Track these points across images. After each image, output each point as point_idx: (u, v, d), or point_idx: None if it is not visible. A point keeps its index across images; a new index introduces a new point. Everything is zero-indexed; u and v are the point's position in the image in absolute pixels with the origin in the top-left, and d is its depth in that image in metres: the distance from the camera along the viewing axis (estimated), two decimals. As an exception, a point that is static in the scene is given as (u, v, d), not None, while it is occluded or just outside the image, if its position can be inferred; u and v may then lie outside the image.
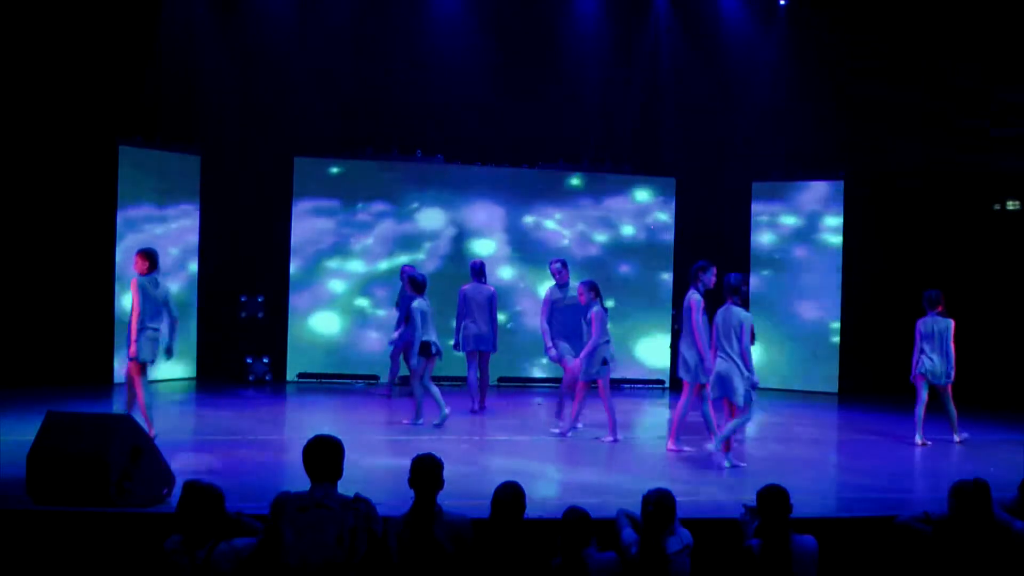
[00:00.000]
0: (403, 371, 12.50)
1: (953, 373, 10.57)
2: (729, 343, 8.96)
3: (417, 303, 10.78)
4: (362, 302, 14.55)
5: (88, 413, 7.69)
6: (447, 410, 10.74)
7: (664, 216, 15.17)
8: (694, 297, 9.53)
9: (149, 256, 9.56)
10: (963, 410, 12.55)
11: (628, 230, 15.12)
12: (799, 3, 15.10)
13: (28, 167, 12.94)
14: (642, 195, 15.18)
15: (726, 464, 8.96)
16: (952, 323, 10.60)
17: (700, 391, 9.61)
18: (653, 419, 12.57)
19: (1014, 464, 9.12)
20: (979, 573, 5.66)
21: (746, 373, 8.94)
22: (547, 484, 8.35)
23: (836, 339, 14.89)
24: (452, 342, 12.06)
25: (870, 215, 15.00)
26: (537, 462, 9.17)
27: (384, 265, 14.51)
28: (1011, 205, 14.80)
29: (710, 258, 15.25)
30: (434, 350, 10.79)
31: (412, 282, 10.98)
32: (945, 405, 10.66)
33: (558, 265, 11.16)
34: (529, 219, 14.90)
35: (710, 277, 9.62)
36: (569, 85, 15.06)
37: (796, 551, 5.52)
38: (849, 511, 7.63)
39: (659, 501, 5.46)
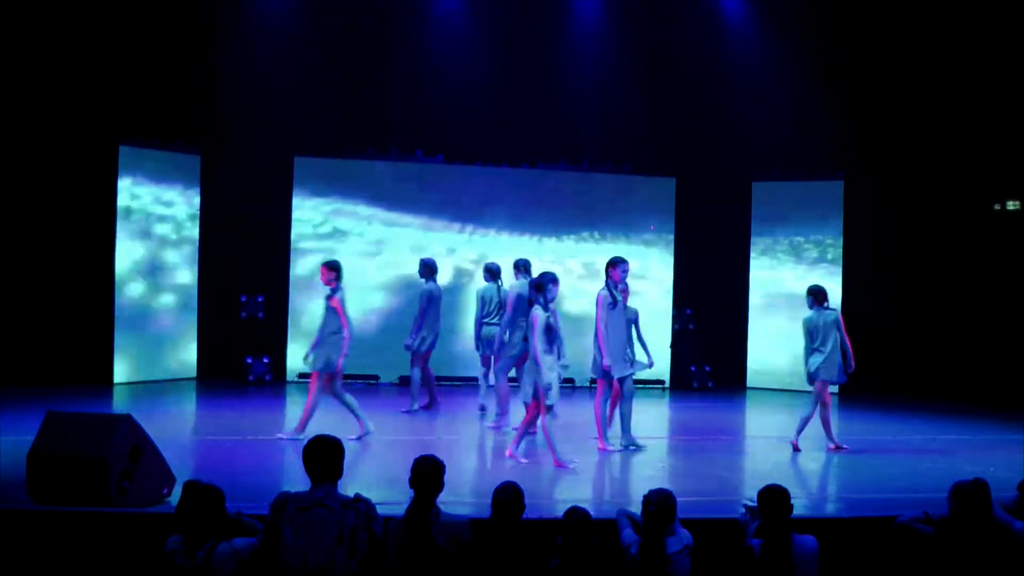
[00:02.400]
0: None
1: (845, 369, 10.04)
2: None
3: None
4: (362, 302, 14.53)
5: (88, 413, 7.69)
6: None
7: (664, 216, 15.17)
8: (601, 292, 9.62)
9: (336, 267, 9.74)
10: (964, 409, 12.49)
11: (628, 230, 15.11)
12: (799, 2, 15.08)
13: (28, 167, 12.94)
14: (642, 195, 15.17)
15: (521, 459, 8.89)
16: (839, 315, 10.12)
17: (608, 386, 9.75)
18: (651, 419, 12.54)
19: (1014, 464, 9.12)
20: (980, 573, 5.66)
21: (539, 372, 8.74)
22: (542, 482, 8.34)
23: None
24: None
25: (870, 215, 14.98)
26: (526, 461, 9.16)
27: (383, 265, 14.51)
28: (1011, 205, 14.79)
29: (711, 258, 15.41)
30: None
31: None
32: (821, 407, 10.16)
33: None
34: (529, 219, 14.88)
35: (620, 273, 9.69)
36: (569, 85, 15.04)
37: (797, 551, 5.52)
38: (850, 511, 7.62)
39: (660, 501, 5.47)
